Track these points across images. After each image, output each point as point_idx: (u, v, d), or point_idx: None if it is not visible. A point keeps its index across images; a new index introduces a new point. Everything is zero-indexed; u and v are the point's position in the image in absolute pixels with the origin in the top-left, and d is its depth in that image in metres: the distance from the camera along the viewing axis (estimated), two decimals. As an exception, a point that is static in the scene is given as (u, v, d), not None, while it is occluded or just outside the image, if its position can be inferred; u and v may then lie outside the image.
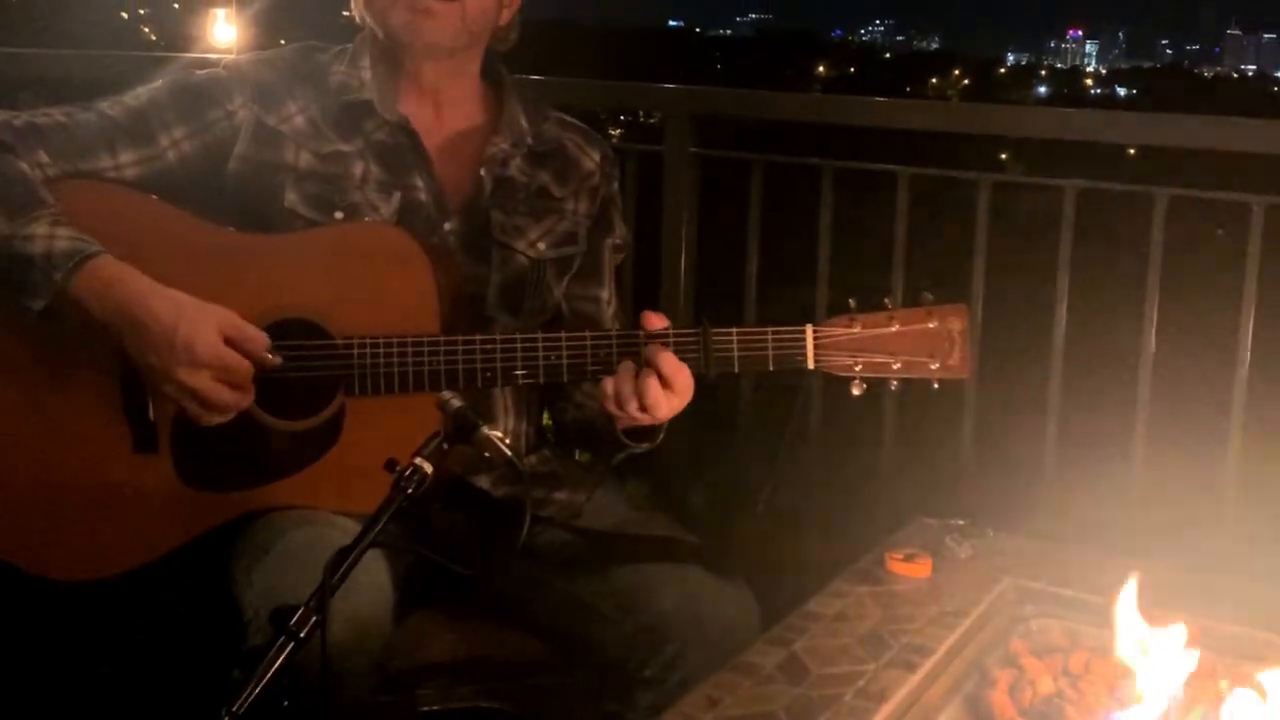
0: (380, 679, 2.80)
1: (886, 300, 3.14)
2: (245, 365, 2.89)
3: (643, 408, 2.96)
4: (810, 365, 3.12)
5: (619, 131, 7.18)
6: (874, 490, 4.82)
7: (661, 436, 3.13)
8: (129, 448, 3.01)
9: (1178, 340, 5.08)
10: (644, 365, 2.98)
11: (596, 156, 3.49)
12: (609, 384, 3.00)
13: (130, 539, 3.04)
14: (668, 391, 2.95)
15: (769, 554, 4.52)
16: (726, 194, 5.06)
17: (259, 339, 2.91)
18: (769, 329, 3.09)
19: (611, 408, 3.02)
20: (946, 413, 3.68)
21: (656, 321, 3.06)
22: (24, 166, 2.96)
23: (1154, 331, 4.50)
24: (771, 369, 3.13)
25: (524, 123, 3.40)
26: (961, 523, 3.39)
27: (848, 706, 2.58)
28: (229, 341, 2.88)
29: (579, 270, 3.45)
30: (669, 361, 2.96)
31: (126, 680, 3.35)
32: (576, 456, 3.37)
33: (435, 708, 3.07)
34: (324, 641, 2.21)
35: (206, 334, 2.86)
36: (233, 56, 3.32)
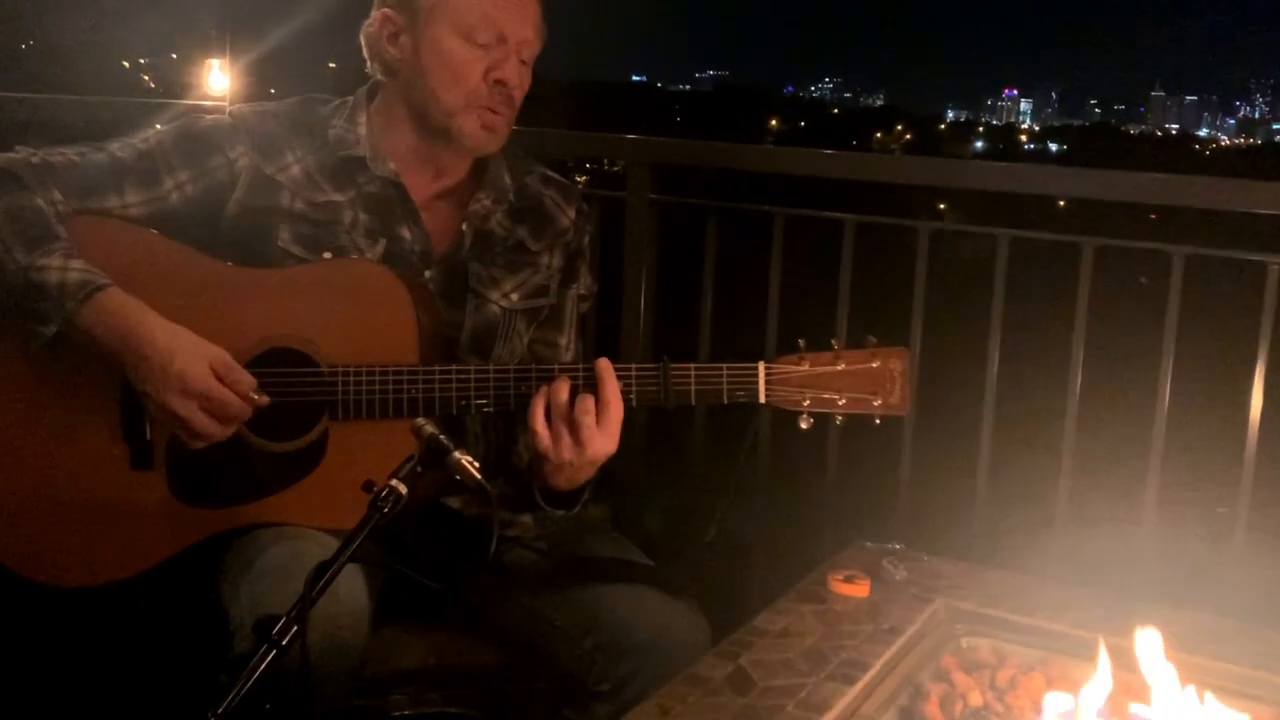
0: (355, 685, 2.81)
1: (834, 341, 3.17)
2: (231, 400, 2.91)
3: (575, 439, 2.98)
4: (762, 399, 3.16)
5: (584, 178, 7.15)
6: (817, 516, 4.81)
7: (577, 508, 3.16)
8: (126, 464, 3.02)
9: (1103, 380, 5.10)
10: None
11: (572, 213, 3.50)
12: (541, 405, 3.00)
13: (124, 549, 3.04)
14: (602, 421, 2.98)
15: (719, 575, 4.52)
16: (685, 238, 5.05)
17: (246, 380, 2.93)
18: (724, 365, 3.13)
19: (544, 443, 3.00)
20: (885, 445, 3.71)
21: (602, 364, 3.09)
22: (40, 202, 2.97)
23: (1080, 371, 4.53)
24: (725, 402, 3.17)
25: (507, 179, 3.40)
26: (898, 547, 3.40)
27: (790, 717, 2.60)
28: (219, 378, 2.90)
29: (544, 318, 3.48)
30: (610, 386, 3.00)
31: (117, 684, 3.34)
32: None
33: (406, 712, 3.11)
34: (304, 649, 2.22)
35: (199, 367, 2.89)
36: (237, 105, 3.30)
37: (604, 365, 3.03)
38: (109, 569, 3.05)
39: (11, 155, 3.04)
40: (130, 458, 3.05)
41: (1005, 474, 4.83)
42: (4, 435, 3.06)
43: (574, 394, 3.02)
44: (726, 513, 4.32)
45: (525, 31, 3.21)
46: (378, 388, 3.06)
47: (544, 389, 3.04)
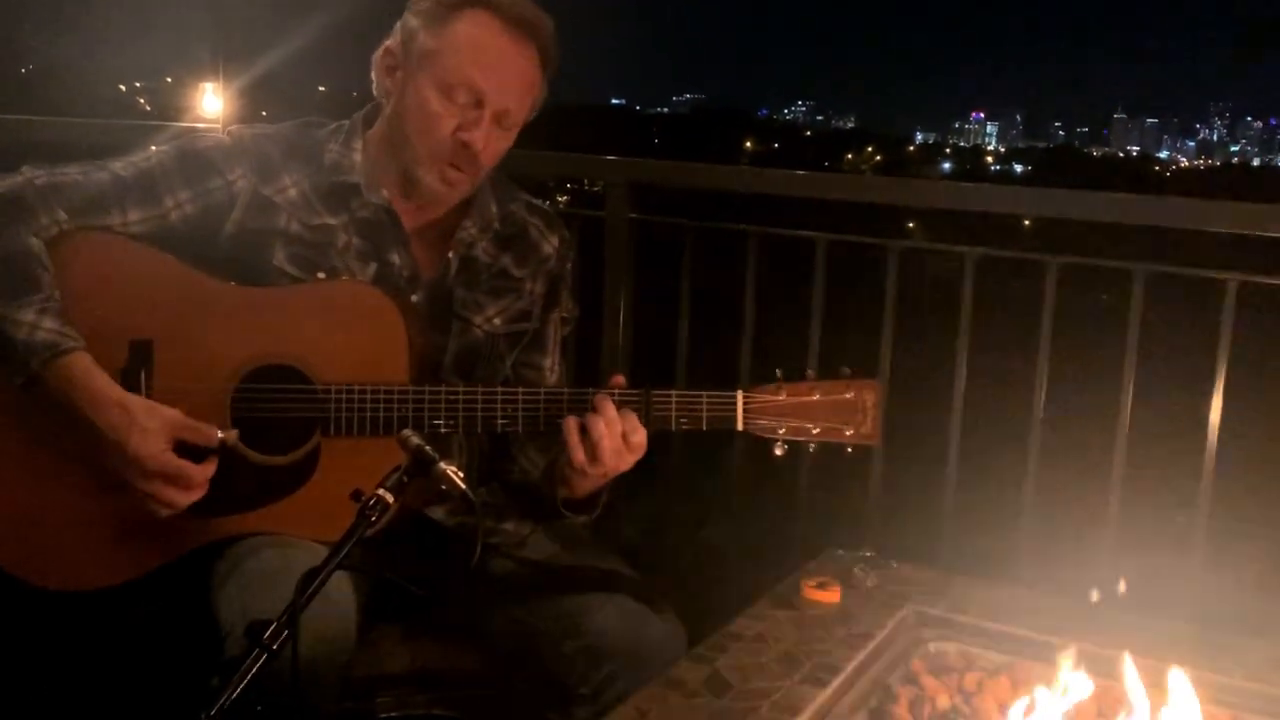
0: (344, 687, 2.81)
1: (810, 372, 3.17)
2: (191, 472, 2.90)
3: (607, 457, 3.01)
4: (739, 427, 3.17)
5: (565, 198, 7.18)
6: (791, 526, 4.82)
7: (598, 512, 3.17)
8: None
9: (1068, 392, 5.11)
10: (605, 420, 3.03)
11: (555, 241, 3.50)
12: (578, 430, 3.02)
13: (123, 556, 3.03)
14: (630, 446, 3.02)
15: (696, 582, 4.54)
16: (664, 256, 5.06)
17: (207, 434, 2.93)
18: (704, 393, 3.14)
19: (579, 456, 3.01)
20: (857, 458, 3.71)
21: (619, 382, 3.12)
22: (31, 242, 2.96)
23: (1045, 385, 4.54)
24: (704, 429, 3.17)
25: (493, 208, 3.39)
26: (869, 555, 3.42)
27: (764, 719, 2.60)
28: (179, 442, 2.90)
29: (528, 341, 3.48)
30: (630, 420, 3.02)
31: (113, 687, 3.33)
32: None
33: (393, 714, 3.11)
34: (294, 653, 2.20)
35: (154, 445, 2.89)
36: (236, 126, 3.29)
37: (626, 412, 3.06)
38: (108, 574, 3.04)
39: (16, 179, 3.04)
40: None
41: (972, 483, 4.86)
42: (10, 452, 3.04)
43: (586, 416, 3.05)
44: (704, 523, 4.35)
45: (505, 101, 3.18)
46: (369, 405, 3.06)
47: (572, 416, 3.04)
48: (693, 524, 4.98)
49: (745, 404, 3.14)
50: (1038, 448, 4.54)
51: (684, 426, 3.18)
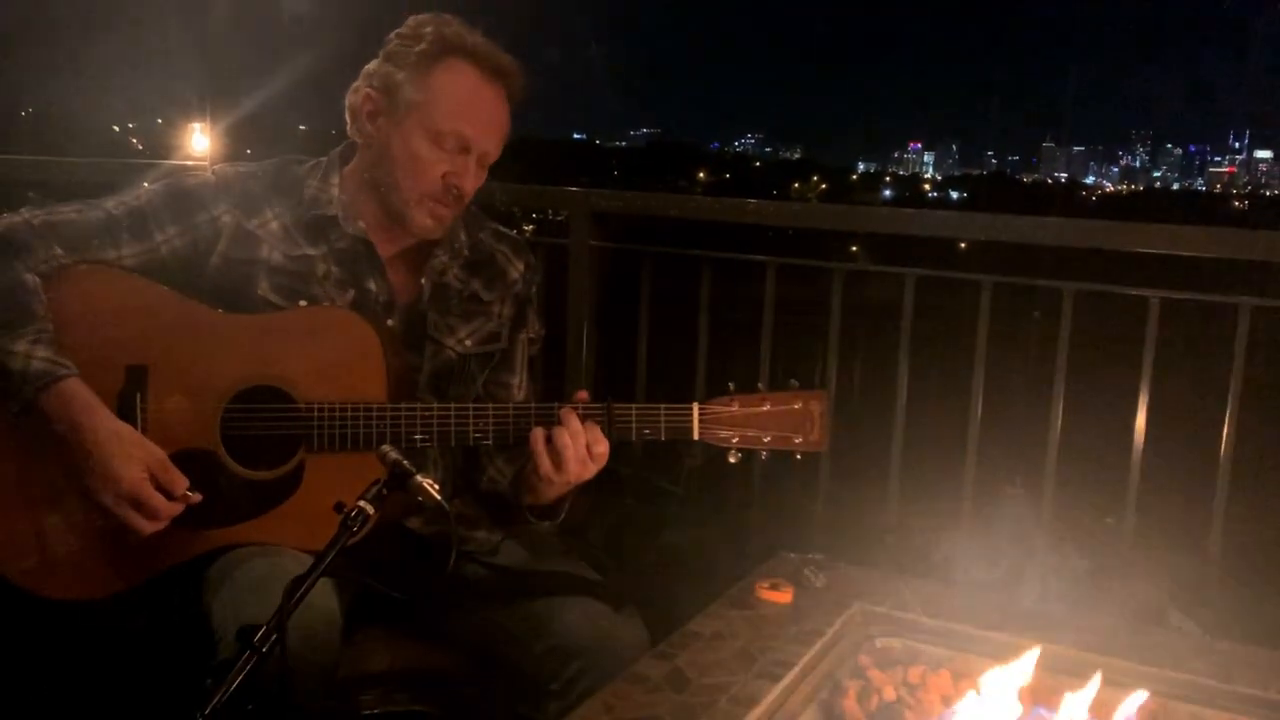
0: (329, 686, 2.80)
1: (760, 385, 3.21)
2: (160, 504, 2.94)
3: (571, 466, 3.06)
4: (695, 437, 3.21)
5: (531, 227, 7.18)
6: (744, 531, 4.83)
7: (562, 517, 3.22)
8: None
9: (1003, 404, 5.14)
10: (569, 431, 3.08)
11: (521, 266, 3.53)
12: (544, 441, 3.07)
13: (121, 568, 3.05)
14: (593, 455, 3.07)
15: (656, 584, 4.52)
16: (624, 280, 5.09)
17: (179, 481, 2.96)
18: (661, 405, 3.18)
19: (545, 465, 3.07)
20: (805, 465, 3.75)
21: (582, 397, 3.15)
22: (27, 278, 2.99)
23: (981, 397, 4.57)
24: (663, 439, 3.22)
25: (463, 236, 3.43)
26: (818, 557, 3.39)
27: (722, 711, 2.59)
28: (153, 479, 2.94)
29: (497, 361, 3.50)
30: (594, 431, 3.07)
31: (112, 689, 3.33)
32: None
33: (376, 711, 3.12)
34: (283, 654, 2.23)
35: (133, 473, 2.92)
36: (220, 165, 3.32)
37: (589, 424, 3.11)
38: (108, 584, 3.06)
39: (14, 219, 3.07)
40: None
41: (913, 493, 4.88)
42: (11, 473, 3.06)
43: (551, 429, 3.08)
44: (663, 529, 4.35)
45: (488, 144, 3.24)
46: (350, 422, 3.09)
47: (539, 428, 3.08)
48: (654, 529, 4.99)
49: (701, 415, 3.17)
50: (975, 456, 4.58)
51: (646, 436, 3.23)
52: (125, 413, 3.03)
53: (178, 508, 2.97)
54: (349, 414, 3.08)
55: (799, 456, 3.28)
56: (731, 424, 3.20)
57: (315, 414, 3.08)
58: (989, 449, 4.52)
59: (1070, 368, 4.68)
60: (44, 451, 3.04)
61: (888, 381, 4.92)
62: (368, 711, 3.09)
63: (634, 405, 3.18)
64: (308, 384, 3.10)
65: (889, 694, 2.86)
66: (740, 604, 3.15)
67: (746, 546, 4.58)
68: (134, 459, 2.95)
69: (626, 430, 3.16)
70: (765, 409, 3.20)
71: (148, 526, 2.95)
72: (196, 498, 2.99)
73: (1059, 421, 4.64)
